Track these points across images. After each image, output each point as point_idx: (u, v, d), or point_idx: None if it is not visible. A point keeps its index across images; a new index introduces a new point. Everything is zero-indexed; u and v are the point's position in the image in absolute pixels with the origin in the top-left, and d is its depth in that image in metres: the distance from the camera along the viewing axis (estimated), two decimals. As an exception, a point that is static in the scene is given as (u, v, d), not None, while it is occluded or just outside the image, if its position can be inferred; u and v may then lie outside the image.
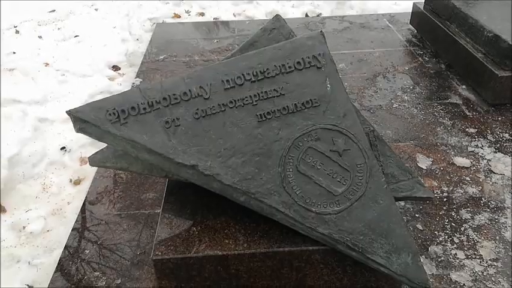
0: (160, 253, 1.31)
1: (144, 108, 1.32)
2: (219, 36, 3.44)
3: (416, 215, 1.76)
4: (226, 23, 3.74)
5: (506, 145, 2.11)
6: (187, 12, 4.13)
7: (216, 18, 3.99)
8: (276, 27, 1.56)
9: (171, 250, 1.32)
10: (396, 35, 3.29)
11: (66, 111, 1.31)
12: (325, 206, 1.28)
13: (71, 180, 2.15)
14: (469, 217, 1.74)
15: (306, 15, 4.03)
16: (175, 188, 1.51)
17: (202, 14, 4.12)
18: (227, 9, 4.19)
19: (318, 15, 3.97)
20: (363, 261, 1.27)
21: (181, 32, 3.53)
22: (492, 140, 2.15)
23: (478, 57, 2.44)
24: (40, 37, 3.58)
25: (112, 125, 1.30)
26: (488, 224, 1.71)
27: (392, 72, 2.78)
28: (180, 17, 4.06)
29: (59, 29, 3.73)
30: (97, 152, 1.51)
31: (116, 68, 3.14)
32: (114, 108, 1.31)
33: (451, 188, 1.88)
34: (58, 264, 1.63)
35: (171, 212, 1.43)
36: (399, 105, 2.46)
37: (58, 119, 2.53)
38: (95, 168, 2.07)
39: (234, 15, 4.08)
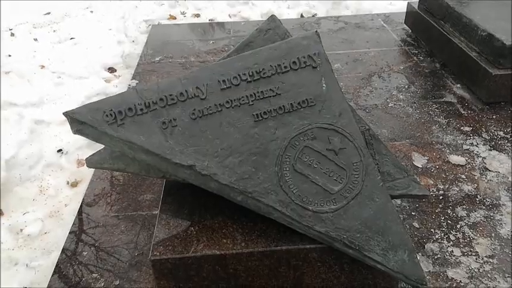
0: (158, 253, 1.32)
1: (141, 109, 1.33)
2: (214, 38, 3.45)
3: (413, 213, 1.77)
4: (221, 24, 3.74)
5: (501, 143, 2.13)
6: (183, 13, 4.14)
7: (212, 20, 3.99)
8: (272, 27, 1.57)
9: (169, 250, 1.32)
10: (391, 34, 3.31)
11: (63, 113, 1.32)
12: (321, 204, 1.29)
13: (68, 183, 2.14)
14: (465, 214, 1.76)
15: (302, 15, 4.04)
16: (172, 188, 1.52)
17: (197, 16, 4.12)
18: (222, 10, 4.20)
19: (313, 16, 3.99)
20: (360, 258, 1.28)
21: (177, 34, 3.54)
22: (487, 138, 2.17)
23: (472, 56, 2.45)
24: (35, 39, 3.58)
25: (109, 126, 1.30)
26: (484, 221, 1.73)
27: (388, 72, 2.79)
28: (175, 18, 4.06)
29: (54, 31, 3.73)
30: (94, 153, 1.52)
31: (111, 69, 3.14)
32: (111, 110, 1.31)
33: (446, 186, 1.89)
34: (56, 266, 1.63)
35: (168, 212, 1.44)
36: (395, 104, 2.47)
37: (54, 121, 2.53)
38: (92, 170, 2.07)
39: (230, 16, 4.09)
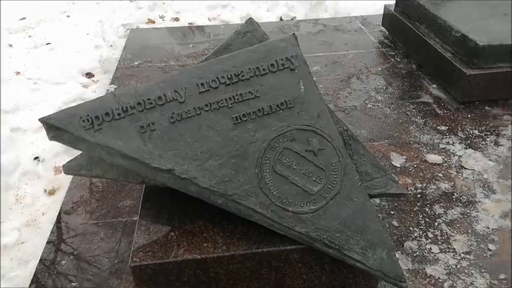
0: (138, 259, 1.30)
1: (119, 114, 1.31)
2: (194, 41, 3.44)
3: (392, 212, 1.80)
4: (201, 28, 3.74)
5: (476, 141, 2.18)
6: (162, 17, 4.11)
7: (191, 23, 3.98)
8: (250, 30, 1.57)
9: (149, 256, 1.31)
10: (369, 36, 3.36)
11: (39, 119, 1.29)
12: (301, 205, 1.29)
13: (45, 190, 2.10)
14: (442, 212, 1.79)
15: (281, 18, 4.07)
16: (152, 193, 1.50)
17: (176, 19, 4.10)
18: (202, 13, 4.19)
19: (292, 19, 4.02)
20: (340, 258, 1.29)
21: (156, 38, 3.51)
22: (463, 136, 2.22)
23: (447, 56, 2.51)
24: (10, 45, 3.51)
25: (86, 131, 1.28)
26: (461, 218, 1.77)
27: (366, 74, 2.83)
28: (154, 22, 4.03)
29: (30, 36, 3.66)
30: (71, 159, 1.49)
31: (89, 75, 3.10)
32: (88, 115, 1.30)
33: (424, 185, 1.93)
34: (34, 276, 1.59)
35: (148, 218, 1.42)
36: (373, 105, 2.51)
37: (31, 128, 2.48)
38: (69, 177, 2.03)
39: (209, 20, 4.08)
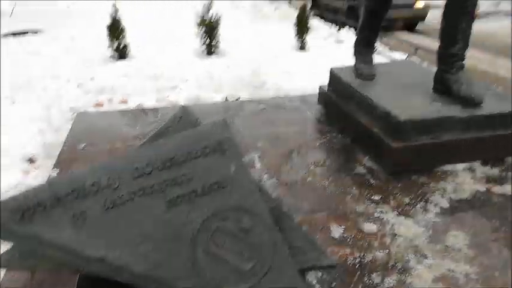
0: None
1: (51, 204, 1.32)
2: (142, 123, 3.52)
3: (333, 285, 1.83)
4: (149, 110, 3.85)
5: (406, 209, 2.33)
6: (110, 100, 4.22)
7: (139, 105, 4.11)
8: (183, 115, 1.68)
9: None
10: (307, 114, 3.60)
11: (-34, 213, 1.27)
12: (235, 284, 1.31)
13: (-27, 286, 1.97)
14: (380, 280, 1.85)
15: (226, 99, 4.30)
16: (85, 281, 1.46)
17: (125, 102, 4.23)
18: (150, 96, 4.36)
19: (237, 99, 4.26)
20: (275, 337, 1.29)
21: (103, 120, 3.57)
22: (394, 205, 2.36)
23: (375, 131, 2.74)
24: None
25: (16, 224, 1.28)
26: (397, 285, 1.83)
27: (305, 148, 3.00)
28: (102, 105, 4.13)
29: (-30, 123, 3.61)
30: (2, 253, 1.44)
31: (31, 160, 3.06)
32: (19, 206, 1.30)
33: (362, 254, 2.00)
34: None
35: (80, 309, 1.38)
36: (312, 178, 2.64)
37: (-37, 218, 2.36)
38: (2, 272, 1.93)
39: (157, 101, 4.24)
